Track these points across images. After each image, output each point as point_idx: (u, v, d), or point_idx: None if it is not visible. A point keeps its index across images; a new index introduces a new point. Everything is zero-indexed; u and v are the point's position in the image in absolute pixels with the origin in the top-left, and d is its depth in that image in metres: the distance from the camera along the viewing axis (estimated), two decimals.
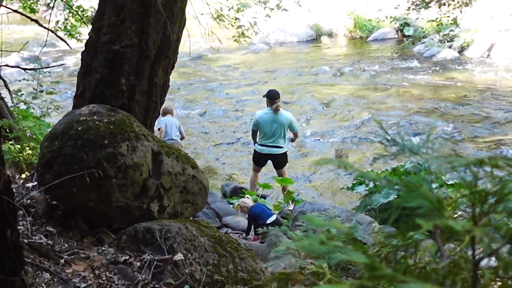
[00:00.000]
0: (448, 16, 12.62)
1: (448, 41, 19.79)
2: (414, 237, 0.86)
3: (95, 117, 4.41)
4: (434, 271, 0.80)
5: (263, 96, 9.36)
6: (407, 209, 0.88)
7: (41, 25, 5.19)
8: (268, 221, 6.78)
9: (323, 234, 0.69)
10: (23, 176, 5.76)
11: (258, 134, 9.19)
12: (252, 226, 7.15)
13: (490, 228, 0.78)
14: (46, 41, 6.41)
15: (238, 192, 9.32)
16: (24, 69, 6.81)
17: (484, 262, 0.97)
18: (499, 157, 0.80)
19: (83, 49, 5.49)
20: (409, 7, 12.97)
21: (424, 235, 0.83)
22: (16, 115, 7.53)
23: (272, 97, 9.06)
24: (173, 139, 9.50)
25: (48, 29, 5.16)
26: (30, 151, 6.71)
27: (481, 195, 0.80)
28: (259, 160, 9.34)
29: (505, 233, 0.78)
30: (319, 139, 12.73)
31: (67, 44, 5.35)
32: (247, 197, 7.70)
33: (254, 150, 9.36)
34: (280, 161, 9.24)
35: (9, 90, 8.14)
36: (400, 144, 0.84)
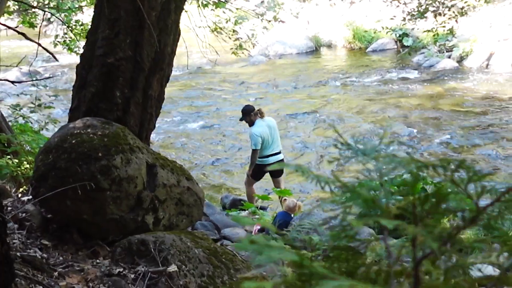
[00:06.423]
0: (444, 26, 12.64)
1: (447, 51, 19.79)
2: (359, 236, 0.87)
3: (89, 130, 4.44)
4: (378, 271, 0.81)
5: (241, 117, 9.32)
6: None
7: (28, 39, 5.23)
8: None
9: (252, 235, 0.70)
10: (21, 190, 5.77)
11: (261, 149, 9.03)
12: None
13: (429, 227, 0.79)
14: (37, 55, 6.47)
15: (237, 204, 9.27)
16: (13, 82, 6.85)
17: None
18: (451, 159, 0.81)
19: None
20: (405, 18, 13.01)
21: (374, 237, 0.85)
22: (14, 130, 7.55)
23: (251, 110, 9.10)
24: None
25: (38, 43, 5.20)
26: (28, 165, 6.71)
27: (421, 195, 0.82)
28: (261, 174, 9.27)
29: (441, 232, 0.79)
30: (317, 151, 12.74)
31: (54, 57, 5.39)
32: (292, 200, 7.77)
33: (259, 165, 9.11)
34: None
35: None
36: (353, 147, 0.86)
